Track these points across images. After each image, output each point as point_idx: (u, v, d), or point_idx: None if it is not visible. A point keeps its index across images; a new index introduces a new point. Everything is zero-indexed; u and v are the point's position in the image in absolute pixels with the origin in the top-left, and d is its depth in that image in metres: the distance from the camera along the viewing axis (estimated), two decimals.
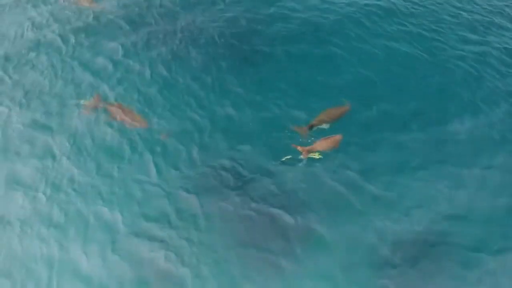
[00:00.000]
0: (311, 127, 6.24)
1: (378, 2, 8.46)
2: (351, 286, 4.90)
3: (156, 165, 5.91)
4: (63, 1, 8.46)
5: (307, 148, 5.96)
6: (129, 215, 5.41)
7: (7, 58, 7.42)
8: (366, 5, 8.39)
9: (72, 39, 7.70)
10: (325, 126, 6.28)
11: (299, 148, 5.96)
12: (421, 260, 5.13)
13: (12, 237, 5.22)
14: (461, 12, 8.54)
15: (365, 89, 6.96)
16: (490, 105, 6.80)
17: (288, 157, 5.92)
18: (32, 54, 7.46)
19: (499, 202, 5.63)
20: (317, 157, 5.93)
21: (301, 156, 5.92)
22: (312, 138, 6.06)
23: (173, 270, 4.98)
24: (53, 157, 6.01)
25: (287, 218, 5.41)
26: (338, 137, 6.09)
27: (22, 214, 5.42)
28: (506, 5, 8.72)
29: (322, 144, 6.01)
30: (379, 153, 6.12)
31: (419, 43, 7.79)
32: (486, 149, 6.24)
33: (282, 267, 5.02)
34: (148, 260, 5.05)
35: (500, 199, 5.65)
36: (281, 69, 7.26)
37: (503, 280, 4.92)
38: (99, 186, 5.67)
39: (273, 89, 6.90)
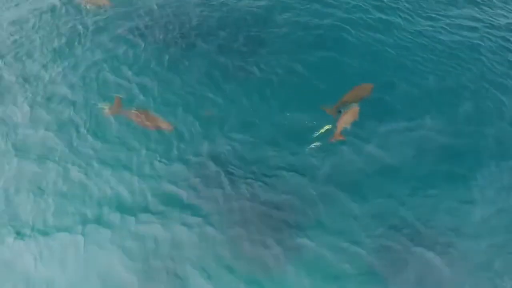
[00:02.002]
0: (340, 111, 6.24)
1: None
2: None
3: (172, 144, 6.20)
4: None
5: (338, 132, 5.99)
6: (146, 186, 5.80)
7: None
8: None
9: (84, 38, 7.86)
10: (353, 106, 6.29)
11: (333, 139, 5.97)
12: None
13: (44, 201, 5.67)
14: None
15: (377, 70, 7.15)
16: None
17: (317, 144, 6.01)
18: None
19: None
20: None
21: (333, 139, 5.99)
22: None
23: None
24: (78, 131, 6.42)
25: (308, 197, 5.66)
26: (356, 108, 6.15)
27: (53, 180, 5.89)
28: None
29: (346, 120, 6.04)
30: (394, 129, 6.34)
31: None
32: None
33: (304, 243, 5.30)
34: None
35: None
36: (297, 53, 7.41)
37: None
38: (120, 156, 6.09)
39: (291, 73, 7.07)
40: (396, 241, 5.30)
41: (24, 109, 6.77)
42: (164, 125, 6.25)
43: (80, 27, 8.11)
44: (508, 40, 7.87)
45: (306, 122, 6.29)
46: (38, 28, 8.18)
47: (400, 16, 8.22)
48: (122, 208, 5.61)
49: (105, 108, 6.51)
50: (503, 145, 6.23)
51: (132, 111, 6.42)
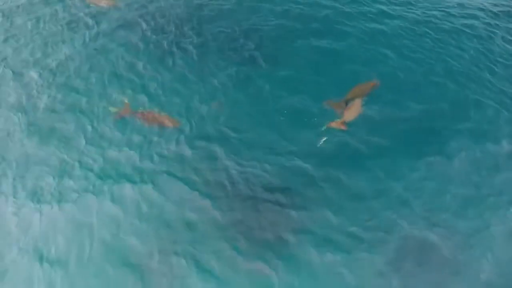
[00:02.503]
0: (346, 104, 6.42)
1: None
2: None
3: (181, 133, 6.41)
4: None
5: (341, 121, 6.19)
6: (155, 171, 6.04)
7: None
8: None
9: (93, 32, 8.00)
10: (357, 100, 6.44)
11: (334, 125, 6.17)
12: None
13: (58, 184, 5.91)
14: None
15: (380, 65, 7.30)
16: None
17: (324, 139, 6.19)
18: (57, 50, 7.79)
19: None
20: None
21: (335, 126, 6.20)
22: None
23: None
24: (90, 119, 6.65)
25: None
26: (359, 101, 6.37)
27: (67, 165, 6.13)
28: None
29: (352, 113, 6.25)
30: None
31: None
32: None
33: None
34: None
35: None
36: (299, 46, 7.60)
37: None
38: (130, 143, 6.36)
39: (293, 66, 7.24)
40: (393, 221, 5.55)
41: (38, 97, 6.99)
42: (172, 123, 6.46)
43: (89, 21, 8.29)
44: (508, 29, 8.08)
45: (306, 119, 6.49)
46: (46, 23, 8.32)
47: (401, 7, 8.41)
48: (133, 190, 5.84)
49: (115, 111, 6.66)
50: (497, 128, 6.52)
51: (140, 112, 6.59)
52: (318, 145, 6.17)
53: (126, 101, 6.72)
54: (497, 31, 8.03)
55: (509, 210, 5.62)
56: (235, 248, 5.33)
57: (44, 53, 7.71)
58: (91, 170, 6.03)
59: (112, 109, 6.66)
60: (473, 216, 5.59)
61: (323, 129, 6.22)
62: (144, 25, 8.20)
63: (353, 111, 6.33)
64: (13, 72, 7.41)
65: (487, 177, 5.95)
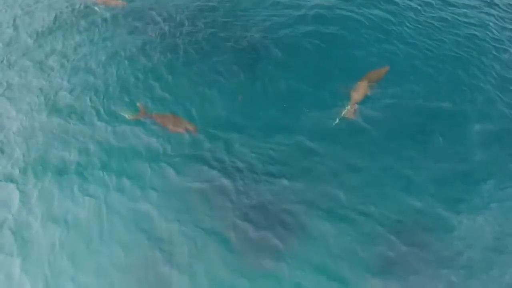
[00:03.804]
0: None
1: None
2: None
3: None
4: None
5: (354, 106, 6.53)
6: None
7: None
8: None
9: (103, 33, 8.23)
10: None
11: (348, 111, 6.50)
12: None
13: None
14: None
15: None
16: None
17: (338, 120, 6.46)
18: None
19: None
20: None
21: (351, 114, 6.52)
22: None
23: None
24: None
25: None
26: (364, 83, 6.69)
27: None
28: None
29: (358, 96, 6.60)
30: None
31: None
32: None
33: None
34: None
35: None
36: (311, 34, 7.82)
37: None
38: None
39: (306, 55, 7.47)
40: (392, 196, 5.80)
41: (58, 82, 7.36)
42: (188, 126, 6.43)
43: (99, 23, 8.52)
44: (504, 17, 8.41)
45: (306, 110, 6.71)
46: (64, 18, 8.65)
47: None
48: (149, 169, 6.11)
49: (131, 118, 6.67)
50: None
51: (155, 115, 6.62)
52: (333, 124, 6.46)
53: (140, 104, 6.79)
54: (493, 19, 8.32)
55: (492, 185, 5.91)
56: (248, 220, 5.56)
57: (63, 44, 8.08)
58: (107, 149, 6.34)
59: (129, 116, 6.66)
60: (462, 191, 5.88)
61: (337, 120, 6.49)
62: (157, 20, 8.49)
63: (360, 94, 6.63)
64: (34, 61, 7.76)
65: (476, 154, 6.25)
